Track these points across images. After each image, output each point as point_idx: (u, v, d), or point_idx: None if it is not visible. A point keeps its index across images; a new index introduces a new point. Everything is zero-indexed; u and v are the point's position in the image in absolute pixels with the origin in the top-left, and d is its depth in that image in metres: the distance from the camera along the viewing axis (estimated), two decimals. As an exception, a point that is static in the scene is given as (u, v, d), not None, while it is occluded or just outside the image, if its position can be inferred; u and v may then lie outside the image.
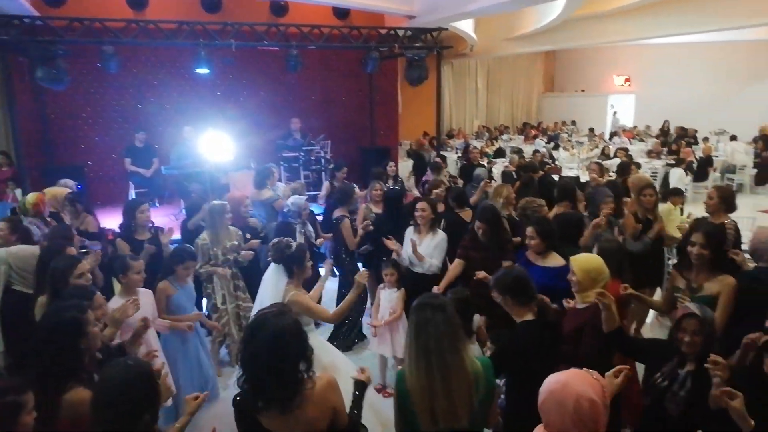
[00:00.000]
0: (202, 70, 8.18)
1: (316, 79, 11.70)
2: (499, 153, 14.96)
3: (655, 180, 12.31)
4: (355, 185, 6.44)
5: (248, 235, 5.48)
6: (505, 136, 18.44)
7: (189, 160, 8.54)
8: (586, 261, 3.33)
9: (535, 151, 13.27)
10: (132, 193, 9.80)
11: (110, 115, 10.29)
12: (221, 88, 10.75)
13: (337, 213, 5.87)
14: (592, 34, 14.56)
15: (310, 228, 5.75)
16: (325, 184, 8.02)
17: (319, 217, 7.21)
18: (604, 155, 13.67)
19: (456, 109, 21.56)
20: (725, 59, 17.82)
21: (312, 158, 10.02)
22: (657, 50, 18.79)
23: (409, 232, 4.99)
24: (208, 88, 10.48)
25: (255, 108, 10.92)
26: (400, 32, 9.24)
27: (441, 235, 4.87)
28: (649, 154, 13.98)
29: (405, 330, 4.48)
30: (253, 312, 3.87)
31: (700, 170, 12.54)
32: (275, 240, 3.92)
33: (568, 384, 1.71)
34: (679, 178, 11.66)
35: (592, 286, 3.22)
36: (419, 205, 4.87)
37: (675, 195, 7.45)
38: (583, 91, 22.20)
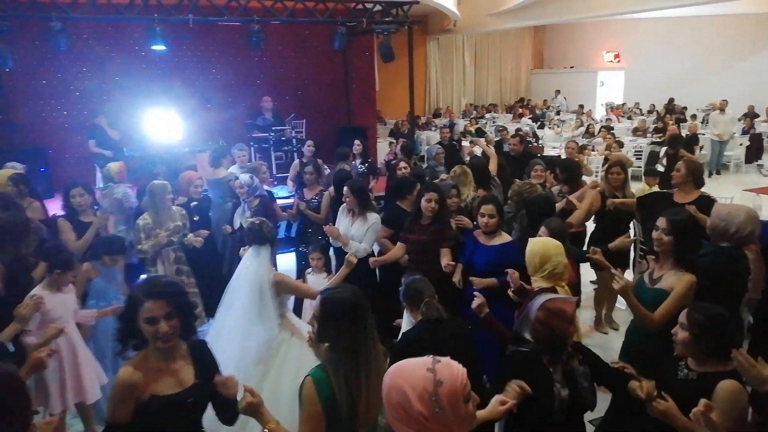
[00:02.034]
0: (158, 47, 7.84)
1: (288, 56, 11.31)
2: (481, 132, 14.64)
3: (639, 158, 12.08)
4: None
5: (196, 217, 5.32)
6: (488, 115, 18.09)
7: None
8: (531, 243, 3.27)
9: (518, 130, 12.97)
10: (99, 176, 9.52)
11: (72, 96, 9.93)
12: (183, 66, 10.36)
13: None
14: (580, 8, 14.16)
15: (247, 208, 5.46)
16: (294, 163, 7.77)
17: (287, 201, 7.03)
18: (589, 133, 13.41)
19: (443, 87, 21.19)
20: (716, 33, 17.49)
21: (283, 138, 9.71)
22: (646, 25, 18.42)
23: (341, 213, 4.87)
24: (168, 66, 10.09)
25: (222, 87, 10.57)
26: (369, 6, 8.88)
27: (373, 218, 4.69)
28: (635, 131, 13.72)
29: None
30: (226, 294, 3.66)
31: (686, 148, 12.27)
32: (247, 224, 3.84)
33: (390, 373, 1.58)
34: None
35: (535, 271, 3.18)
36: (344, 191, 4.72)
37: (650, 175, 7.26)
38: (572, 67, 21.82)
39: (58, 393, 3.54)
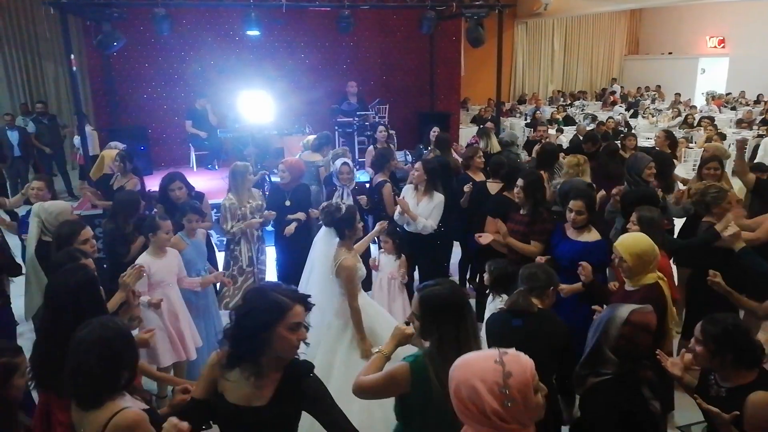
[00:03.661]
0: (253, 32, 8.11)
1: (375, 41, 11.38)
2: (569, 120, 14.11)
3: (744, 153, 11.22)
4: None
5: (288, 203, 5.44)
6: (578, 102, 17.38)
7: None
8: (633, 243, 3.05)
9: (609, 119, 12.40)
10: (193, 156, 10.05)
11: (172, 79, 10.49)
12: (273, 51, 10.66)
13: (377, 178, 5.70)
14: (683, -10, 13.27)
15: (346, 193, 5.55)
16: (369, 150, 7.81)
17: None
18: (687, 124, 12.61)
19: (529, 73, 20.54)
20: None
21: (367, 123, 9.80)
22: (756, 7, 16.92)
23: (407, 191, 4.94)
24: (260, 50, 10.43)
25: (310, 72, 10.80)
26: (459, -10, 8.77)
27: (438, 197, 4.78)
28: (739, 123, 12.75)
29: (404, 301, 4.55)
30: (304, 276, 3.94)
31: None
32: (324, 204, 3.95)
33: (457, 367, 1.55)
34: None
35: (644, 270, 3.01)
36: (415, 166, 4.84)
37: (758, 171, 6.71)
38: (670, 53, 20.52)
39: (167, 349, 3.86)
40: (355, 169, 5.72)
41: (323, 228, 3.85)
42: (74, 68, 7.72)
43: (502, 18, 8.92)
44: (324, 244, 3.77)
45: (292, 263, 5.06)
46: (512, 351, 1.55)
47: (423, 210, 4.77)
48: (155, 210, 4.89)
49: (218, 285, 4.75)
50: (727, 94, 17.51)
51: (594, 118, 13.20)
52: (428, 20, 8.58)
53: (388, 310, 4.45)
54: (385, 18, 11.16)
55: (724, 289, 3.20)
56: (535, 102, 17.65)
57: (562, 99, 18.44)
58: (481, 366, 1.51)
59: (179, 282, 4.03)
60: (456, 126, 12.15)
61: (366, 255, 4.77)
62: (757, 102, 16.25)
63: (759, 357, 2.36)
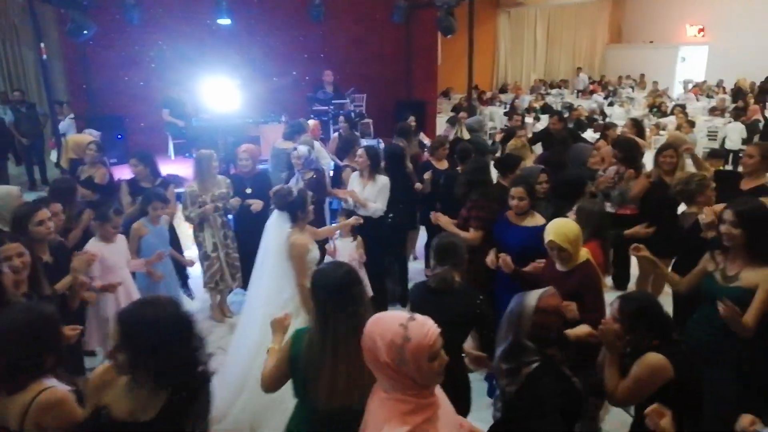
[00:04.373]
0: (224, 21, 8.17)
1: (351, 30, 11.44)
2: (547, 109, 14.26)
3: (714, 140, 11.46)
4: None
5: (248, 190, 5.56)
6: (554, 91, 17.52)
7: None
8: (566, 230, 3.17)
9: (578, 106, 12.57)
10: (171, 145, 10.10)
11: (148, 67, 10.50)
12: (249, 39, 10.66)
13: (343, 163, 6.00)
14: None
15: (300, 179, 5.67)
16: (333, 137, 7.95)
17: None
18: (661, 112, 12.81)
19: (512, 62, 20.69)
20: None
21: (341, 112, 9.92)
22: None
23: (354, 179, 5.13)
24: (235, 39, 10.43)
25: (286, 61, 10.86)
26: (431, -22, 8.86)
27: (382, 180, 4.99)
28: (712, 111, 12.95)
29: (364, 276, 4.59)
30: (258, 261, 4.02)
31: (767, 130, 11.49)
32: (276, 188, 4.05)
33: (370, 321, 1.76)
34: (738, 135, 10.67)
35: (578, 251, 3.18)
36: (358, 152, 5.03)
37: (714, 157, 6.89)
38: (651, 42, 20.69)
39: None
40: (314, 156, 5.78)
41: (274, 212, 3.93)
42: (44, 56, 7.73)
43: (473, 7, 9.03)
44: (276, 228, 3.84)
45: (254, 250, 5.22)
46: (422, 318, 1.72)
47: (369, 194, 4.98)
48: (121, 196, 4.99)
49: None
50: (704, 83, 17.71)
51: (571, 106, 13.37)
52: (400, 9, 8.68)
53: None
54: (360, 6, 11.23)
55: (649, 259, 3.38)
56: (516, 91, 17.79)
57: (543, 88, 18.58)
58: (387, 325, 1.71)
59: (128, 264, 4.15)
60: (433, 114, 12.28)
61: (323, 240, 4.94)
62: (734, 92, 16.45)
63: (670, 328, 2.54)
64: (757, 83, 15.53)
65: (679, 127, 10.47)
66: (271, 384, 2.41)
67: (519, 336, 2.30)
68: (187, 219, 5.01)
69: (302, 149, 5.69)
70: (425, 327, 1.70)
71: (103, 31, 9.20)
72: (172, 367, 1.87)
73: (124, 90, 10.47)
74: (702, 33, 19.27)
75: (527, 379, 2.27)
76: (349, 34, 11.41)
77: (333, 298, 2.20)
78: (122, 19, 9.09)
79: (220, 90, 9.02)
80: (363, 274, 4.72)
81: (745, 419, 2.16)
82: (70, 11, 7.09)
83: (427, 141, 7.56)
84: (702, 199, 3.91)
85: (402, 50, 11.65)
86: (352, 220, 4.58)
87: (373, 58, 11.64)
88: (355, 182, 5.13)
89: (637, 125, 6.88)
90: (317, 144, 7.27)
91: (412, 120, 7.92)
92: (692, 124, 10.39)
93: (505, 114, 14.42)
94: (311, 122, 7.44)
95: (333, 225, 4.69)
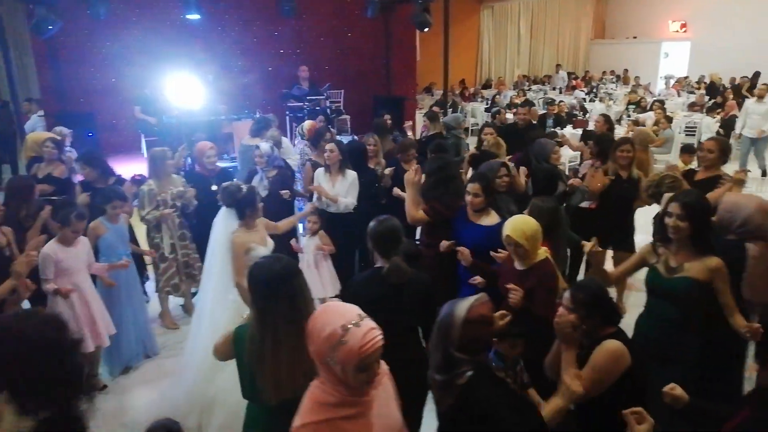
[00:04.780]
0: (193, 16, 8.04)
1: (328, 26, 11.34)
2: (528, 105, 14.21)
3: (692, 135, 11.45)
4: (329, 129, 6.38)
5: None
6: (535, 86, 17.51)
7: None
8: (524, 227, 3.13)
9: (560, 102, 12.55)
10: (143, 142, 9.95)
11: (120, 64, 10.34)
12: (223, 35, 10.55)
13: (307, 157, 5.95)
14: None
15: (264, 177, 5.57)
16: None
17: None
18: (640, 108, 12.80)
19: (496, 58, 20.63)
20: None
21: (317, 108, 9.82)
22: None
23: (319, 174, 5.04)
24: (210, 35, 10.32)
25: (261, 56, 10.74)
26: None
27: (351, 174, 4.97)
28: (691, 106, 12.96)
29: (331, 269, 4.78)
30: (207, 258, 3.95)
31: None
32: (225, 184, 3.93)
33: (319, 308, 1.80)
34: (713, 130, 10.68)
35: (536, 248, 3.15)
36: (327, 146, 4.95)
37: (685, 152, 6.91)
38: (635, 37, 20.70)
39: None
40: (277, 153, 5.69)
41: (222, 209, 3.83)
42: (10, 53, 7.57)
43: (448, 3, 8.95)
44: (223, 225, 3.76)
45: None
46: (367, 327, 1.67)
47: (340, 189, 4.92)
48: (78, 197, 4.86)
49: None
50: (685, 78, 17.75)
51: (552, 101, 13.35)
52: (374, 4, 8.57)
53: (319, 283, 4.71)
54: (338, 2, 11.11)
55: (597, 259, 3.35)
56: (499, 87, 17.74)
57: (527, 84, 18.54)
58: (332, 318, 1.69)
59: (88, 268, 4.05)
60: (412, 110, 12.19)
61: (289, 235, 4.87)
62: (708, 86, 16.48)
63: (619, 314, 2.54)
64: (738, 79, 15.54)
65: (657, 123, 10.48)
66: (218, 352, 2.49)
67: (449, 348, 2.17)
68: (143, 220, 4.85)
69: (264, 147, 5.59)
70: (366, 337, 1.65)
71: (72, 27, 9.04)
72: (32, 394, 1.53)
73: (96, 87, 10.33)
74: (684, 29, 19.31)
75: (462, 390, 2.14)
76: (325, 29, 11.31)
77: (271, 291, 2.19)
78: (90, 14, 8.92)
79: (191, 86, 8.88)
80: (329, 268, 4.80)
81: None
82: (36, 7, 6.91)
83: (410, 133, 7.51)
84: None
85: (380, 46, 11.56)
86: (309, 206, 4.57)
87: (350, 53, 11.54)
88: (322, 178, 5.03)
89: (608, 121, 6.92)
90: (286, 141, 7.19)
91: (387, 117, 7.84)
92: (669, 119, 10.39)
93: (486, 110, 14.38)
94: (308, 122, 7.25)
95: (292, 217, 4.61)
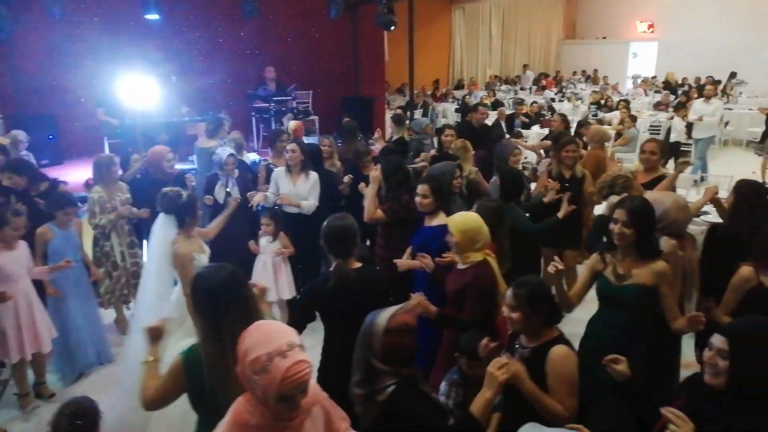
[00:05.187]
0: (152, 16, 7.91)
1: (295, 26, 11.25)
2: (497, 105, 14.31)
3: (657, 134, 11.62)
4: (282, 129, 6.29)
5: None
6: (504, 87, 17.64)
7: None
8: (462, 221, 3.17)
9: (533, 103, 12.66)
10: (106, 145, 9.75)
11: (82, 65, 10.12)
12: (186, 35, 10.36)
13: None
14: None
15: (232, 183, 5.49)
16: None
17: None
18: (607, 107, 12.97)
19: (468, 58, 20.73)
20: (759, 4, 16.44)
21: (284, 109, 9.75)
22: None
23: (279, 174, 4.99)
24: (173, 35, 10.14)
25: (226, 57, 10.61)
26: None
27: (314, 175, 4.95)
28: (657, 106, 13.18)
29: (288, 273, 4.73)
30: (146, 266, 3.90)
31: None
32: (165, 189, 3.81)
33: (256, 324, 1.76)
34: (680, 131, 10.86)
35: (471, 247, 3.11)
36: (289, 147, 4.93)
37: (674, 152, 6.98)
38: (604, 38, 20.99)
39: (16, 343, 3.82)
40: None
41: (161, 215, 3.70)
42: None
43: (413, 3, 8.94)
44: (161, 232, 3.64)
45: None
46: (296, 359, 1.60)
47: (302, 190, 4.88)
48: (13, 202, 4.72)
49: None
50: (653, 78, 18.04)
51: (521, 101, 13.44)
52: (336, 5, 8.54)
53: (274, 286, 4.61)
54: (305, 2, 11.04)
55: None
56: (471, 87, 17.82)
57: (498, 84, 18.66)
58: (257, 344, 1.64)
59: (29, 272, 3.94)
60: (381, 110, 12.16)
61: (242, 236, 4.79)
62: (681, 85, 16.79)
63: (561, 314, 2.53)
64: (703, 79, 15.85)
65: (621, 122, 10.62)
66: (156, 404, 2.23)
67: (371, 359, 2.11)
68: (96, 227, 4.72)
69: (221, 153, 5.49)
70: (290, 371, 1.58)
71: (28, 27, 8.82)
72: None
73: (55, 88, 10.06)
74: (651, 29, 19.63)
75: (384, 405, 2.09)
76: (292, 29, 11.20)
77: (221, 301, 2.04)
78: (46, 14, 8.72)
79: (153, 88, 8.73)
80: (287, 271, 4.74)
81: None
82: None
83: (377, 135, 7.46)
84: None
85: (348, 46, 11.52)
86: (232, 201, 4.58)
87: (317, 53, 11.45)
88: (282, 179, 4.97)
89: (565, 120, 7.07)
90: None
91: (347, 120, 7.77)
92: (634, 119, 10.52)
93: (457, 111, 14.43)
94: (293, 123, 7.14)
95: (220, 217, 4.44)
